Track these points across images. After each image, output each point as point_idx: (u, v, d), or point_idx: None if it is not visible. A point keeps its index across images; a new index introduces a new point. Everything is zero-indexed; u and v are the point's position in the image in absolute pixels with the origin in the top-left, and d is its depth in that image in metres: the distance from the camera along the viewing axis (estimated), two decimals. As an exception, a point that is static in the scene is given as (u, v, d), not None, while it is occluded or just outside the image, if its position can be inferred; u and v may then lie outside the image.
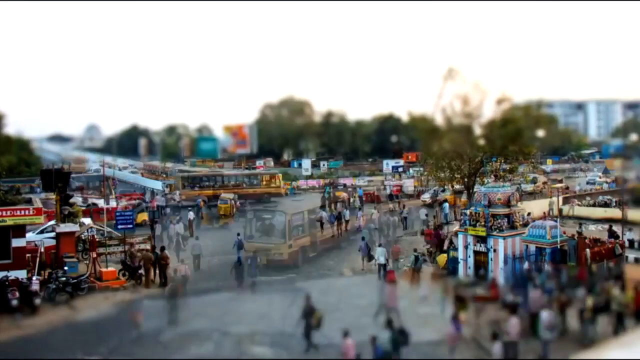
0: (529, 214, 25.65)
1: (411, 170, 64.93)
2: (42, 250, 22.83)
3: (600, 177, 52.03)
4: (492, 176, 23.35)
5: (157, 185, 52.04)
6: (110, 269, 22.48)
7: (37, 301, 18.52)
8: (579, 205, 36.66)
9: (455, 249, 22.68)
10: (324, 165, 73.82)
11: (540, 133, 32.31)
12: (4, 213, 20.73)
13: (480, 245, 21.10)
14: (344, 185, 56.29)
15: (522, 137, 30.81)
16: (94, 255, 22.61)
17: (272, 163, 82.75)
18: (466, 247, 21.65)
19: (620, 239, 23.65)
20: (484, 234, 20.82)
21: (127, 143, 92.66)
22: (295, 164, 78.39)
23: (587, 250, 20.15)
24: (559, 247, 20.13)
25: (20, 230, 21.14)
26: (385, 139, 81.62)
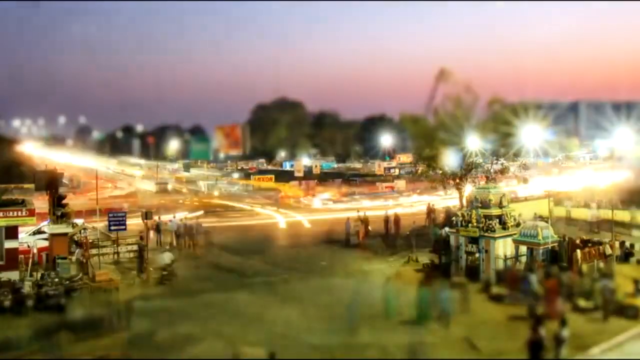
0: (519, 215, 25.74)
1: (403, 171, 65.21)
2: (35, 251, 22.74)
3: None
4: (484, 177, 23.51)
5: None
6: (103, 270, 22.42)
7: (30, 302, 18.43)
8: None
9: None
10: (315, 166, 73.78)
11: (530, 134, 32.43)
12: (-3, 214, 20.68)
13: (472, 246, 21.26)
14: None
15: (513, 138, 31.00)
16: (87, 256, 22.54)
17: (265, 165, 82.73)
18: (458, 248, 21.80)
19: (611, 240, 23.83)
20: (476, 234, 20.97)
21: (120, 143, 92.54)
22: (288, 165, 78.38)
23: (578, 251, 20.36)
24: (550, 247, 20.32)
25: (13, 231, 21.08)
26: (377, 139, 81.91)
